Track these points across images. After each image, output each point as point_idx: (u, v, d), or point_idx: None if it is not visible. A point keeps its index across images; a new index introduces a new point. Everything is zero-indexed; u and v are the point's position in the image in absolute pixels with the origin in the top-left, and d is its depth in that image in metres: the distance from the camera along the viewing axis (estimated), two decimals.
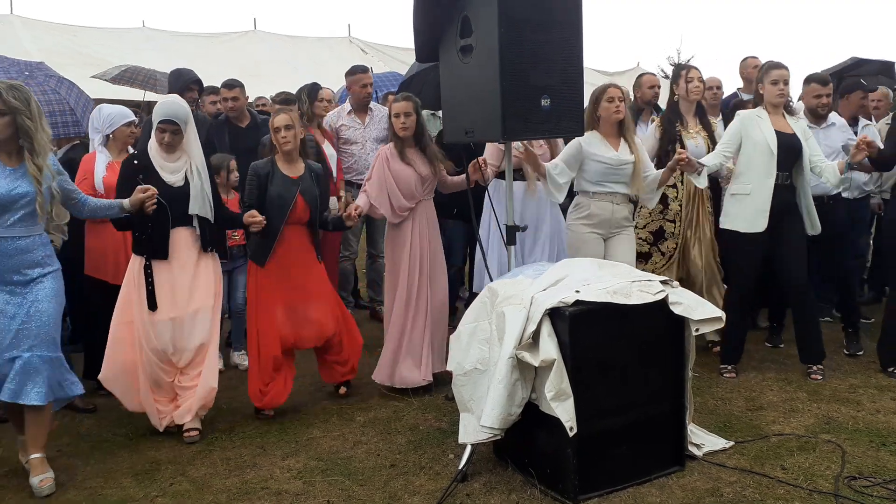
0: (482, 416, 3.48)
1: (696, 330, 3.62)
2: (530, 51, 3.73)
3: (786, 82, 4.96)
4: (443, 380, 4.86)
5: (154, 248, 4.24)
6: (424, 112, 6.77)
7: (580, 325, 3.40)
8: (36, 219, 3.69)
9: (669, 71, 25.70)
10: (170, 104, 4.31)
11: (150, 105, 8.64)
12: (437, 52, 4.23)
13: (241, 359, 5.59)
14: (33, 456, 3.76)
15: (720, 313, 3.62)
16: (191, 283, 4.30)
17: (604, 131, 4.82)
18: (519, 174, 5.04)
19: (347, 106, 6.57)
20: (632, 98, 6.73)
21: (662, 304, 3.57)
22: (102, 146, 4.93)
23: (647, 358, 3.64)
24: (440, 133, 6.12)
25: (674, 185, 5.35)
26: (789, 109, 5.07)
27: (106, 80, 10.14)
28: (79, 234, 4.83)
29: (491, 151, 5.22)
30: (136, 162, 4.31)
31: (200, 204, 4.30)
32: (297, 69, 12.22)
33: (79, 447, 4.20)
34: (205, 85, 6.86)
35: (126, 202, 4.07)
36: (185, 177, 4.30)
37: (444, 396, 4.70)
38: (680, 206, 5.45)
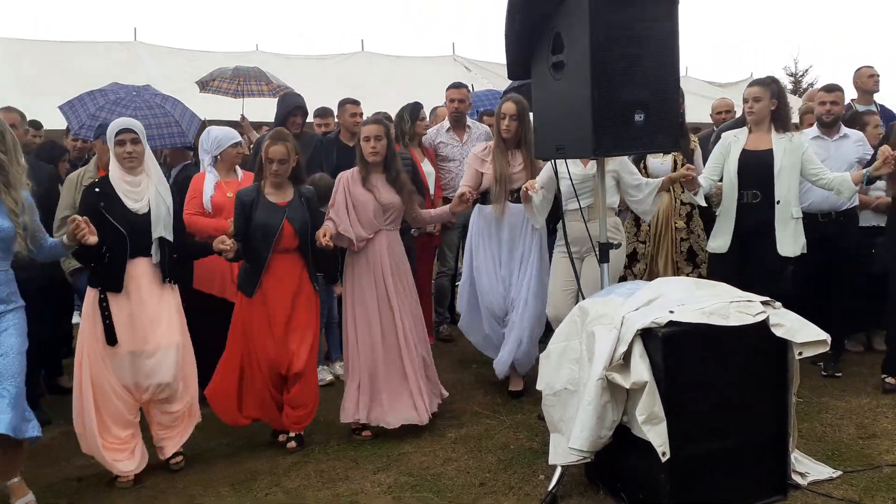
0: (570, 437, 3.42)
1: (800, 353, 3.45)
2: (624, 66, 3.62)
3: (756, 99, 4.78)
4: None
5: (109, 280, 3.98)
6: None
7: (674, 347, 3.29)
8: (7, 254, 3.57)
9: (786, 81, 24.90)
10: (120, 121, 4.10)
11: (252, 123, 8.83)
12: (528, 70, 4.21)
13: (340, 369, 5.64)
14: (12, 481, 3.69)
15: (825, 336, 3.44)
16: (152, 316, 4.04)
17: None
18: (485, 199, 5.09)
19: (446, 123, 6.62)
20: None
21: (763, 326, 3.43)
22: (211, 167, 5.14)
23: (747, 382, 3.50)
24: None
25: None
26: (780, 124, 4.79)
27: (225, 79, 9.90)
28: None
29: (467, 176, 5.15)
30: (97, 189, 4.02)
31: (164, 225, 4.07)
32: (402, 88, 12.38)
33: None
34: (318, 106, 7.07)
35: (64, 237, 3.80)
36: (149, 203, 4.05)
37: (537, 416, 4.63)
38: (649, 226, 5.38)
